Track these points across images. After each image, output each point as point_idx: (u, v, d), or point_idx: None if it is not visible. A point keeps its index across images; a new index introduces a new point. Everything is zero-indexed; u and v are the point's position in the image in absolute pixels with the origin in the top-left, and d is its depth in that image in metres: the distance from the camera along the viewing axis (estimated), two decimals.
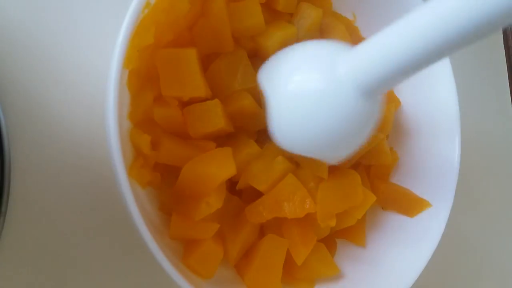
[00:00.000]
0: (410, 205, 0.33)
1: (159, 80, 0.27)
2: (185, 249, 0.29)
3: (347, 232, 0.33)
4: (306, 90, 0.24)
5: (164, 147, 0.28)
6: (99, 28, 0.33)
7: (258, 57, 0.32)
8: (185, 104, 0.29)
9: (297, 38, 0.32)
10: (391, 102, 0.35)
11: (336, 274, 0.32)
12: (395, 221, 0.34)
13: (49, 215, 0.31)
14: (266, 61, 0.28)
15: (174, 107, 0.28)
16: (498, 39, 0.51)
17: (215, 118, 0.28)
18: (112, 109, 0.24)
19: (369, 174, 0.34)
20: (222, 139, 0.30)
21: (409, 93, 0.36)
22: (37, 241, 0.30)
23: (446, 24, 0.19)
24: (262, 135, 0.31)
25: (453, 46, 0.19)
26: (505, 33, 0.51)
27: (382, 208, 0.34)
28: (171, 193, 0.28)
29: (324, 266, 0.32)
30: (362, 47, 0.23)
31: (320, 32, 0.34)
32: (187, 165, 0.27)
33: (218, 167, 0.28)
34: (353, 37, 0.35)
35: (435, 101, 0.34)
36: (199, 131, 0.28)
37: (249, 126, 0.31)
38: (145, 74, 0.27)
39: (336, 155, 0.28)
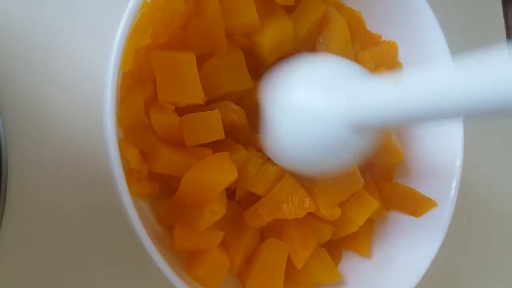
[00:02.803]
0: (416, 204, 0.32)
1: (150, 82, 0.26)
2: (189, 260, 0.28)
3: (352, 242, 0.33)
4: (305, 113, 0.25)
5: (161, 157, 0.27)
6: (97, 27, 0.33)
7: (253, 54, 0.31)
8: (181, 109, 0.28)
9: (295, 35, 0.31)
10: None
11: (338, 281, 0.32)
12: (399, 225, 0.33)
13: (46, 215, 0.30)
14: (272, 76, 0.28)
15: (171, 113, 0.27)
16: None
17: (215, 129, 0.28)
18: (109, 112, 0.23)
19: (372, 174, 0.34)
20: (210, 145, 0.29)
21: None
22: (34, 241, 0.30)
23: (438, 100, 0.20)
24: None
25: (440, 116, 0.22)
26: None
27: (387, 209, 0.34)
28: (170, 205, 0.27)
29: (324, 272, 0.31)
30: (357, 90, 0.24)
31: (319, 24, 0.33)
32: (186, 174, 0.26)
33: (220, 173, 0.27)
34: (358, 30, 0.34)
35: None
36: (196, 141, 0.28)
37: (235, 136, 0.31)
38: (137, 75, 0.26)
39: (324, 171, 0.29)
